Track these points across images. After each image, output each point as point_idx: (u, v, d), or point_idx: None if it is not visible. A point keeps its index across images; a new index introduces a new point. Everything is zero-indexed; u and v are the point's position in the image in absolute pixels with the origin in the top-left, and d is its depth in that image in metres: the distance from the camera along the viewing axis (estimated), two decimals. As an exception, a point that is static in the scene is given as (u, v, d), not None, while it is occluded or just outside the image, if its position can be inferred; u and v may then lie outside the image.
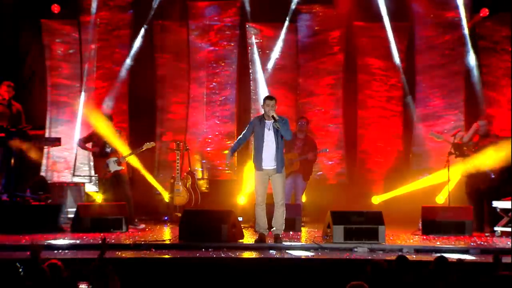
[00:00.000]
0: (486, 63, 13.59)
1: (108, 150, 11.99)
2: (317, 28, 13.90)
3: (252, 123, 9.95)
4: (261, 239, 9.86)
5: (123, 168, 12.01)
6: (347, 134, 13.90)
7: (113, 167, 11.93)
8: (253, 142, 10.07)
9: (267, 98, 9.92)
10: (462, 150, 11.74)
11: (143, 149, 12.13)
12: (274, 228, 9.96)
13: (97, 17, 13.87)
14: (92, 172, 13.51)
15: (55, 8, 13.51)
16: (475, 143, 11.61)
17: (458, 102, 13.67)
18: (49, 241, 9.71)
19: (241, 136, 10.09)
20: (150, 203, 13.69)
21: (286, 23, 13.90)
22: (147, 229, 11.75)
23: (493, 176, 11.43)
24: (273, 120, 9.73)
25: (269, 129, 9.76)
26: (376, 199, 13.31)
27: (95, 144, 12.00)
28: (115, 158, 11.94)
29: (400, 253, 8.46)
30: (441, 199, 12.57)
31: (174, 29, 14.09)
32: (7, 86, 12.08)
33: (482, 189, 11.49)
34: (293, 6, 13.82)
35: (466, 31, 13.38)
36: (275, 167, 9.80)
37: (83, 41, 13.93)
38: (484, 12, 13.25)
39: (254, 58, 13.97)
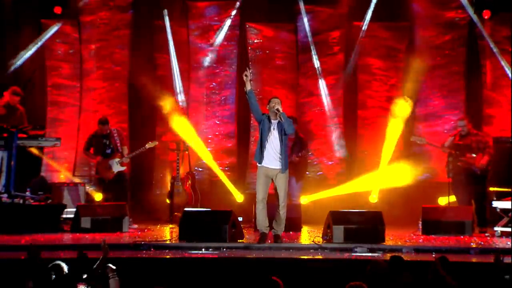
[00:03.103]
0: (486, 63, 13.59)
1: (109, 151, 12.04)
2: (317, 28, 13.88)
3: (263, 115, 9.83)
4: (262, 238, 9.80)
5: (125, 168, 12.08)
6: (347, 134, 13.89)
7: (116, 168, 11.99)
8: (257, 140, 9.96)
9: (273, 97, 9.99)
10: (462, 150, 11.75)
11: (146, 148, 12.21)
12: (274, 229, 9.93)
13: (96, 17, 13.89)
14: (92, 172, 13.53)
15: (58, 10, 13.49)
16: (458, 144, 11.63)
17: (458, 102, 13.68)
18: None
19: (258, 107, 9.85)
20: (150, 203, 13.70)
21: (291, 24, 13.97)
22: (147, 229, 11.74)
23: (478, 173, 11.48)
24: (278, 120, 9.71)
25: (274, 129, 9.74)
26: (373, 198, 13.29)
27: (95, 147, 12.05)
28: (118, 159, 11.99)
29: (393, 254, 8.42)
30: (443, 200, 12.56)
31: (174, 29, 14.07)
32: (13, 92, 12.14)
33: (469, 188, 11.53)
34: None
35: (481, 28, 13.34)
36: (279, 167, 9.77)
37: (83, 41, 13.94)
38: (487, 14, 13.22)
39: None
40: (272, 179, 9.88)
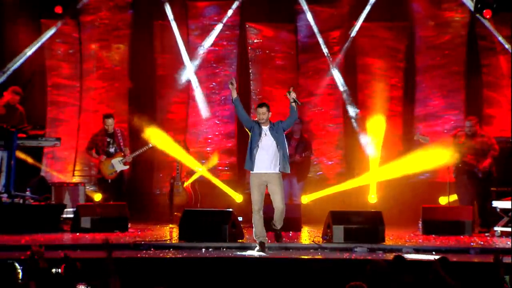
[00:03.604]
0: (486, 63, 13.60)
1: (112, 150, 12.05)
2: (317, 28, 13.86)
3: (252, 121, 9.64)
4: (261, 247, 9.50)
5: (128, 167, 12.09)
6: (347, 134, 13.88)
7: (119, 167, 12.01)
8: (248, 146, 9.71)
9: (258, 106, 9.67)
10: (462, 150, 11.76)
11: (149, 147, 12.25)
12: (274, 226, 9.67)
13: (96, 17, 13.89)
14: (92, 172, 13.55)
15: (59, 9, 13.45)
16: (462, 144, 11.64)
17: (458, 102, 13.68)
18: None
19: (246, 115, 9.68)
20: (150, 203, 13.69)
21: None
22: (147, 229, 11.74)
23: (480, 176, 11.47)
24: (269, 125, 9.50)
25: (265, 135, 9.51)
26: (372, 198, 13.27)
27: (99, 146, 12.05)
28: (120, 158, 12.01)
29: (396, 254, 8.42)
30: (444, 200, 12.57)
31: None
32: (13, 92, 12.16)
33: (471, 189, 11.54)
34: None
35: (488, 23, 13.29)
36: (272, 171, 9.50)
37: (83, 41, 13.94)
38: (488, 13, 13.18)
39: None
40: (266, 185, 9.59)
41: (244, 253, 9.41)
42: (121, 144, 12.12)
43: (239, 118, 9.84)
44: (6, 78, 13.25)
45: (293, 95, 9.56)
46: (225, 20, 13.89)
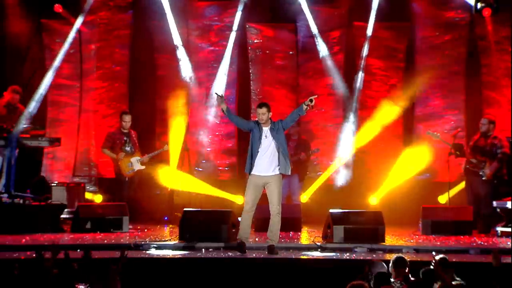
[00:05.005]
0: (486, 63, 13.60)
1: (128, 148, 12.05)
2: (317, 28, 13.85)
3: (252, 123, 9.62)
4: (239, 246, 9.28)
5: (144, 168, 12.08)
6: (347, 134, 13.87)
7: (137, 166, 12.05)
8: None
9: (258, 106, 9.57)
10: (462, 150, 11.78)
11: (164, 150, 12.36)
12: (269, 239, 9.41)
13: (96, 17, 13.88)
14: (92, 172, 13.55)
15: (58, 8, 13.43)
16: (472, 145, 11.69)
17: (458, 102, 13.68)
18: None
19: (241, 120, 9.74)
20: (150, 203, 13.69)
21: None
22: (147, 229, 11.75)
23: (484, 178, 11.47)
24: (269, 126, 9.42)
25: (266, 137, 9.41)
26: (373, 200, 13.26)
27: (116, 144, 12.01)
28: (138, 157, 12.02)
29: (398, 254, 8.42)
30: (443, 199, 12.58)
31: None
32: (13, 91, 12.16)
33: (476, 190, 11.56)
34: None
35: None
36: (272, 174, 9.42)
37: (83, 41, 13.94)
38: (488, 11, 13.13)
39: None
40: (264, 187, 9.50)
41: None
42: (136, 144, 12.15)
43: (237, 126, 9.77)
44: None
45: (311, 103, 9.33)
46: (236, 27, 13.82)
